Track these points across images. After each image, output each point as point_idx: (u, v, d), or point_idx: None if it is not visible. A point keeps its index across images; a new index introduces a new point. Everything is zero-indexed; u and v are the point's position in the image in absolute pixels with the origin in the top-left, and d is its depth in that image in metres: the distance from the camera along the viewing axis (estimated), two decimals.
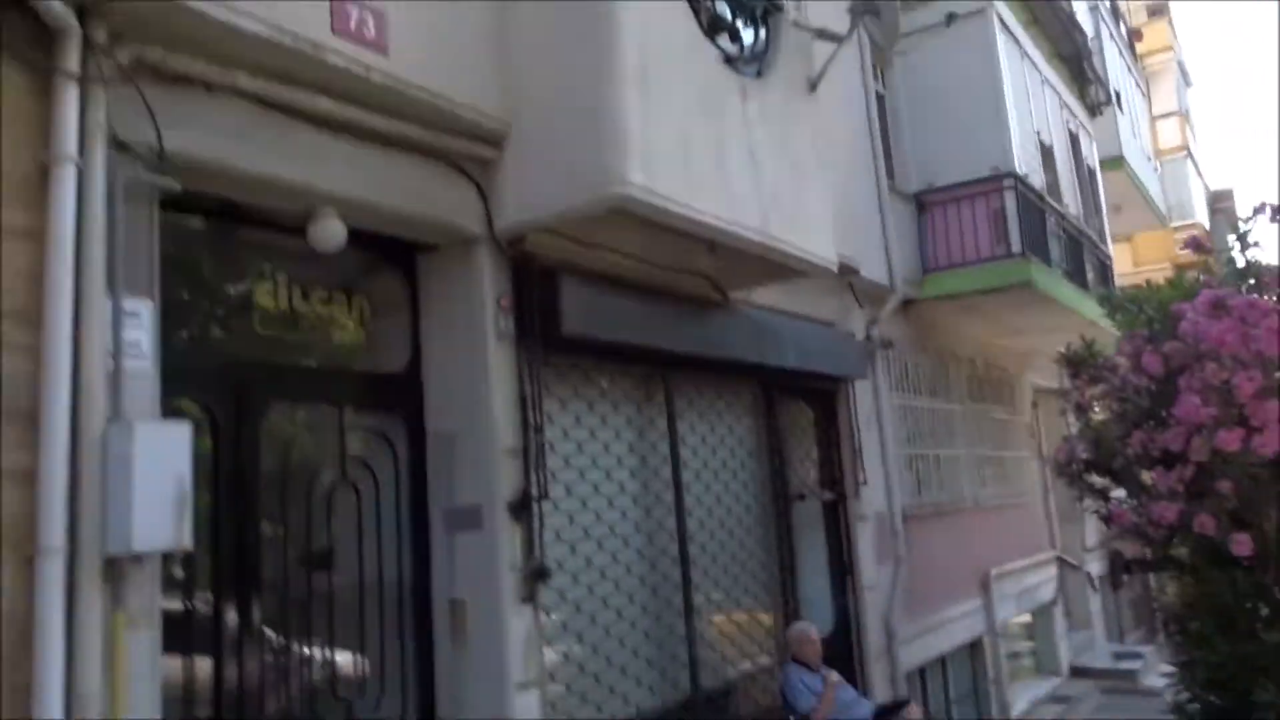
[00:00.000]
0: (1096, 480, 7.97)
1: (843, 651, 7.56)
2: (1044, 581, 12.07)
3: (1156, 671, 10.28)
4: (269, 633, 4.16)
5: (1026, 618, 11.82)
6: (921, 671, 8.80)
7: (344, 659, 4.54)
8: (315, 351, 4.70)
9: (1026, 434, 12.84)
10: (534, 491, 4.83)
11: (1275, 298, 6.33)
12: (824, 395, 8.02)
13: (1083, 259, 11.52)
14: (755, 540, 6.80)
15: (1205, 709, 6.88)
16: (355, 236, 4.73)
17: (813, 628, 6.31)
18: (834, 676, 6.09)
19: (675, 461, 6.09)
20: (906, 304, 9.60)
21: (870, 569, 7.94)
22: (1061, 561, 13.01)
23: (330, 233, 4.21)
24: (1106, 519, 7.66)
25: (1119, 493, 7.82)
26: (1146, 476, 7.28)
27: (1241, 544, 6.36)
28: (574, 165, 4.58)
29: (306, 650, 4.33)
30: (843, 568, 7.80)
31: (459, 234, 4.84)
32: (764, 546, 6.90)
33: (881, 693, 7.60)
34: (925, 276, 9.60)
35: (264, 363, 4.35)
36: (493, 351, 4.84)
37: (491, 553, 4.70)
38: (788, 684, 6.10)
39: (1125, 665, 12.16)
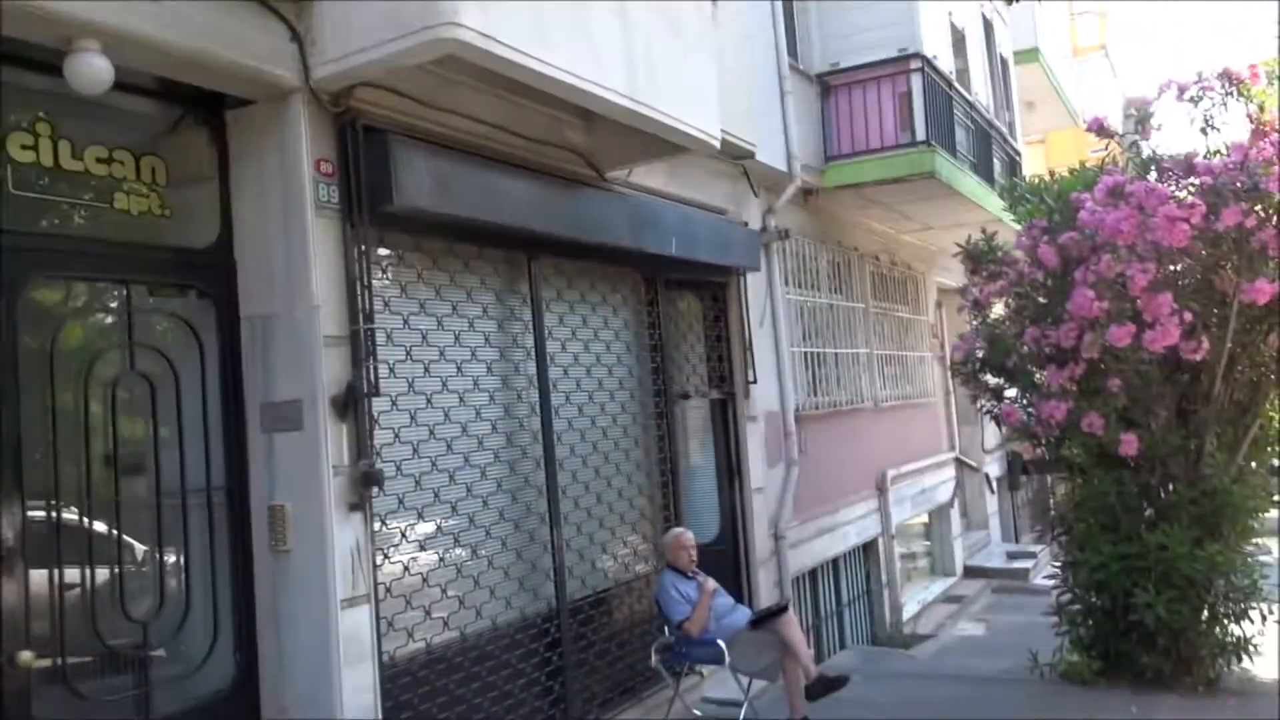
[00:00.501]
0: (991, 380, 7.72)
1: (728, 557, 7.26)
2: (942, 483, 12.02)
3: (1047, 571, 10.32)
4: (35, 546, 3.56)
5: (924, 519, 11.78)
6: (813, 574, 8.60)
7: (137, 576, 3.98)
8: (94, 220, 3.99)
9: (930, 334, 12.64)
10: (363, 386, 4.26)
11: (1175, 186, 5.97)
12: (714, 288, 7.53)
13: (991, 153, 11.15)
14: (633, 442, 6.36)
15: (1087, 610, 6.78)
16: (147, 86, 4.04)
17: (688, 533, 5.94)
18: (710, 584, 5.74)
19: (541, 356, 5.56)
20: (808, 194, 9.12)
21: (759, 471, 7.60)
22: (960, 463, 12.99)
23: (89, 71, 3.48)
24: (997, 419, 7.44)
25: (1013, 392, 7.60)
26: (1039, 375, 7.05)
27: (1128, 444, 6.15)
28: (399, 3, 3.90)
29: (87, 568, 3.75)
30: (730, 470, 7.44)
31: (272, 86, 4.14)
32: (643, 449, 6.47)
33: (767, 598, 7.34)
34: (827, 164, 9.10)
35: (19, 230, 3.64)
36: (313, 225, 4.19)
37: (312, 454, 4.14)
38: (662, 592, 5.73)
39: (1017, 565, 12.28)
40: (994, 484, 13.90)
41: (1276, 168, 5.46)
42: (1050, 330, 6.46)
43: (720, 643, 5.50)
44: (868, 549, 9.75)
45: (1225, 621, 6.40)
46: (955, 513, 12.37)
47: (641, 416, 6.50)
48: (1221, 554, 6.23)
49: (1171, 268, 5.97)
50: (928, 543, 12.01)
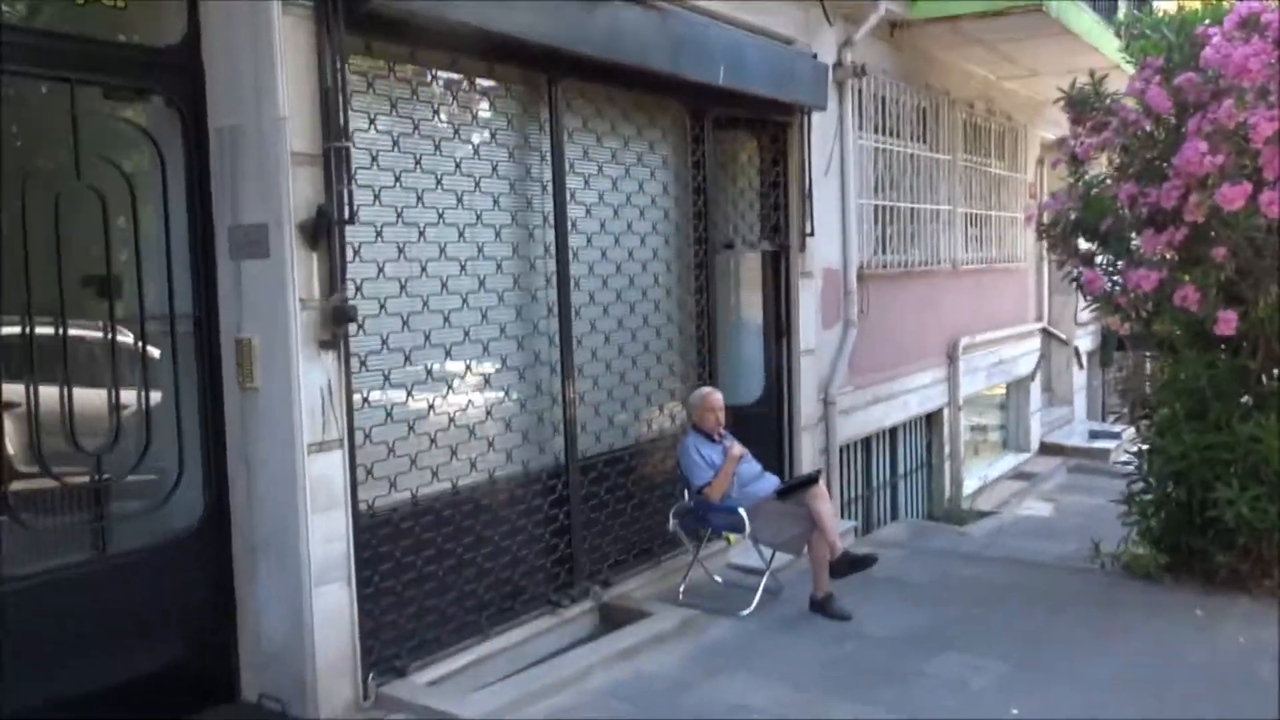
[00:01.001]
0: (1083, 245, 6.90)
1: (770, 420, 6.80)
2: (1024, 355, 11.24)
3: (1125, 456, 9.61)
4: None
5: (1000, 390, 11.09)
6: (866, 443, 8.11)
7: (90, 405, 3.71)
8: (31, 5, 3.55)
9: (1028, 194, 11.59)
10: (334, 212, 3.81)
11: None
12: (773, 128, 6.80)
13: None
14: (664, 292, 5.84)
15: (1161, 501, 6.17)
16: None
17: (716, 394, 5.48)
18: (736, 449, 5.31)
19: (559, 192, 5.01)
20: (894, 26, 8.15)
21: (811, 331, 7.03)
22: (1048, 334, 12.15)
23: None
24: (1081, 287, 6.66)
25: (1105, 258, 6.77)
26: (1136, 241, 6.22)
27: (1226, 321, 5.36)
28: None
29: (31, 394, 3.48)
30: (779, 328, 6.89)
31: None
32: (676, 300, 5.95)
33: (809, 465, 6.90)
34: None
35: None
36: (279, 23, 3.67)
37: (278, 285, 3.76)
38: (684, 454, 5.34)
39: (1098, 445, 11.54)
40: (1083, 359, 13.02)
41: None
42: (1150, 189, 5.61)
43: (741, 511, 5.11)
44: (931, 419, 9.18)
45: None
46: (1036, 386, 11.63)
47: (677, 265, 5.95)
48: None
49: None
50: (1003, 416, 11.35)
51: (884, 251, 8.36)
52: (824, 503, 5.15)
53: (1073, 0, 8.27)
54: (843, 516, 7.34)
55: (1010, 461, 10.90)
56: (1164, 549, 6.09)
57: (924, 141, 9.07)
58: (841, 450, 7.54)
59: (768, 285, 6.90)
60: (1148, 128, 5.81)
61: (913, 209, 8.88)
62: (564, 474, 5.03)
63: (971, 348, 9.64)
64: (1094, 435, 12.07)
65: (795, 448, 6.89)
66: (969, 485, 9.62)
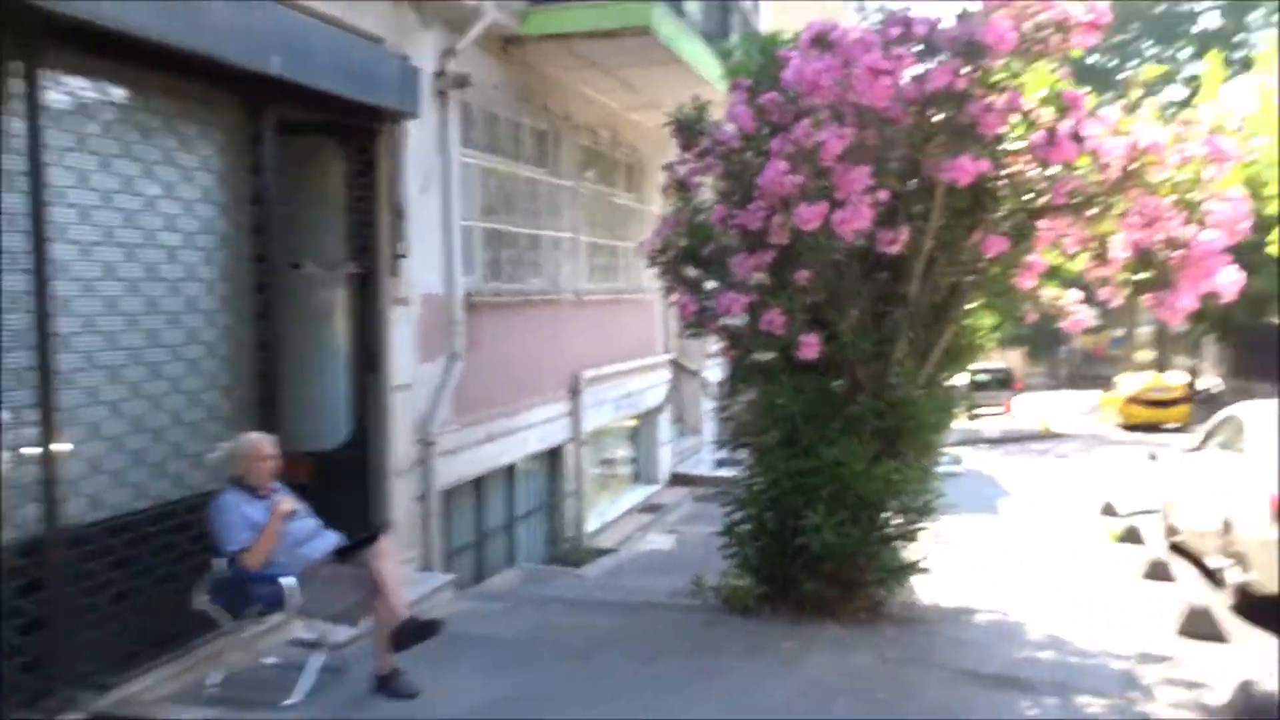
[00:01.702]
0: (692, 272, 6.76)
1: (353, 466, 5.98)
2: (653, 386, 11.24)
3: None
4: None
5: (628, 423, 10.98)
6: (479, 484, 7.49)
7: None
8: None
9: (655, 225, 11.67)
10: None
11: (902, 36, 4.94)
12: (360, 135, 6.05)
13: (730, 23, 10.10)
14: (204, 318, 4.86)
15: (757, 531, 6.07)
16: None
17: (266, 440, 4.57)
18: (285, 504, 4.43)
19: (37, 191, 3.92)
20: (508, 42, 7.71)
21: (407, 364, 6.31)
22: (677, 365, 12.28)
23: None
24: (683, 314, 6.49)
25: (713, 285, 6.66)
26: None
27: (809, 346, 5.32)
28: None
29: None
30: (368, 361, 6.10)
31: None
32: (223, 329, 4.98)
33: (404, 513, 6.16)
34: (533, 6, 7.68)
35: None
36: None
37: None
38: (219, 515, 4.36)
39: (724, 473, 11.74)
40: (711, 388, 13.35)
41: (995, 18, 4.61)
42: (739, 211, 5.49)
43: (284, 581, 4.24)
44: (554, 455, 8.77)
45: (895, 545, 5.84)
46: (666, 418, 11.68)
47: (224, 287, 4.99)
48: (898, 472, 5.61)
49: (875, 140, 5.06)
50: (633, 448, 11.25)
51: (499, 279, 7.84)
52: (388, 561, 4.41)
53: (681, 29, 8.26)
54: (448, 569, 6.66)
55: (640, 494, 10.80)
56: (761, 579, 5.98)
57: (544, 165, 8.71)
58: (448, 494, 6.86)
59: (354, 313, 6.09)
60: (737, 146, 5.71)
61: (533, 235, 8.47)
62: (38, 551, 3.90)
63: (597, 380, 9.38)
64: (720, 464, 12.32)
65: (386, 494, 6.10)
66: (596, 522, 9.32)
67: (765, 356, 6.24)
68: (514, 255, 8.10)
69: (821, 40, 4.94)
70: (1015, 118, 5.23)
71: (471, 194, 7.33)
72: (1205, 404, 32.97)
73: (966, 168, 4.70)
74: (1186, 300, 5.17)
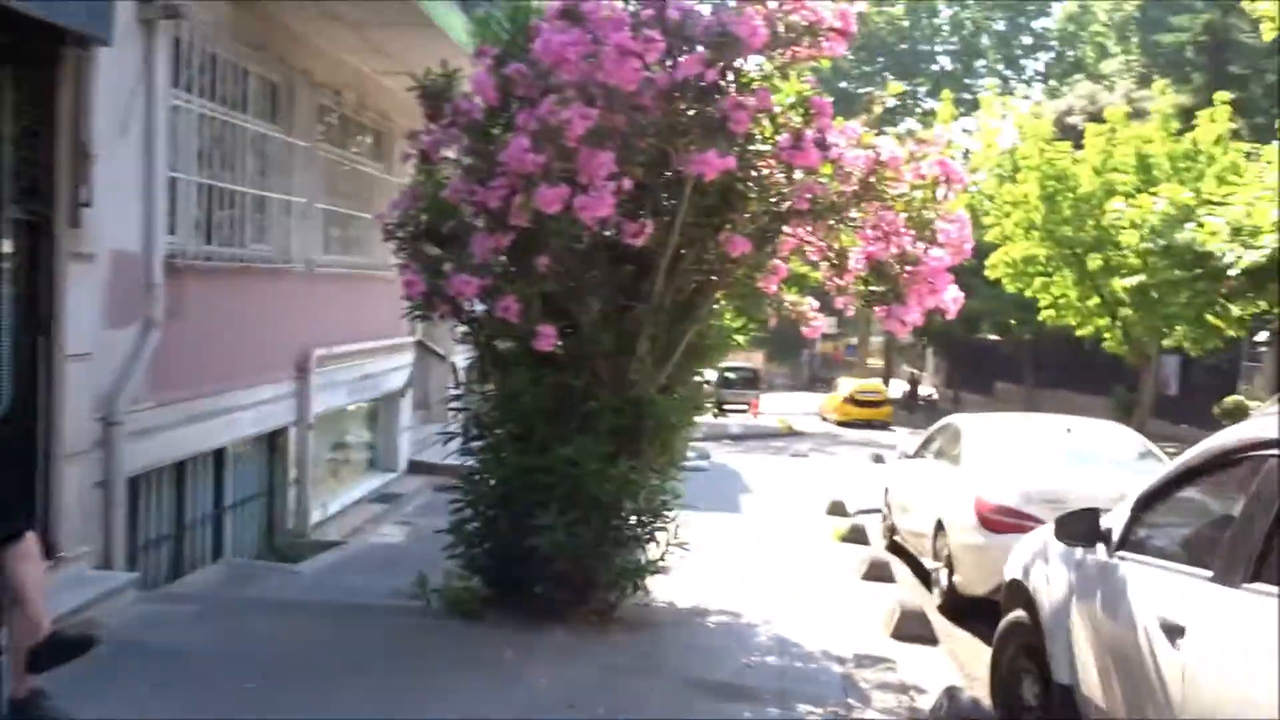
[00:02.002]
0: (433, 250, 6.29)
1: (17, 447, 5.07)
2: (394, 369, 10.61)
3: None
4: None
5: (365, 407, 10.30)
6: (180, 470, 6.66)
7: None
8: None
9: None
10: None
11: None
12: (36, 59, 5.13)
13: None
14: None
15: (486, 528, 5.72)
16: None
17: None
18: None
19: None
20: None
21: (89, 330, 5.44)
22: (423, 347, 11.70)
23: None
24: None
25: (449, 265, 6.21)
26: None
27: (545, 337, 5.03)
28: None
29: None
30: (37, 324, 5.20)
31: None
32: None
33: (79, 504, 5.32)
34: None
35: None
36: None
37: None
38: None
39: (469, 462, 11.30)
40: (461, 373, 12.84)
41: (749, 11, 4.47)
42: (478, 187, 5.09)
43: None
44: (275, 439, 8.00)
45: (630, 546, 5.66)
46: (408, 402, 11.08)
47: None
48: (635, 471, 5.43)
49: (624, 125, 4.81)
50: (371, 434, 10.58)
51: (214, 242, 7.02)
52: (27, 564, 3.67)
53: None
54: (134, 566, 5.85)
55: (374, 483, 10.16)
56: (489, 581, 5.64)
57: (275, 121, 7.91)
58: (138, 481, 6.03)
59: (21, 265, 5.17)
60: (480, 118, 5.32)
61: (259, 197, 7.67)
62: None
63: (330, 360, 8.68)
64: (465, 453, 11.85)
65: (54, 482, 5.23)
66: (320, 512, 8.61)
67: (503, 346, 5.92)
68: (234, 217, 7.28)
69: (571, 12, 4.63)
70: (765, 119, 5.18)
71: (184, 143, 6.49)
72: (924, 410, 36.07)
73: (713, 162, 4.54)
74: (914, 315, 5.30)
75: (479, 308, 5.74)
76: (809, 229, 5.51)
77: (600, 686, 4.58)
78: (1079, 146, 20.78)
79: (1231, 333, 20.52)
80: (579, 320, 5.38)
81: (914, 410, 36.49)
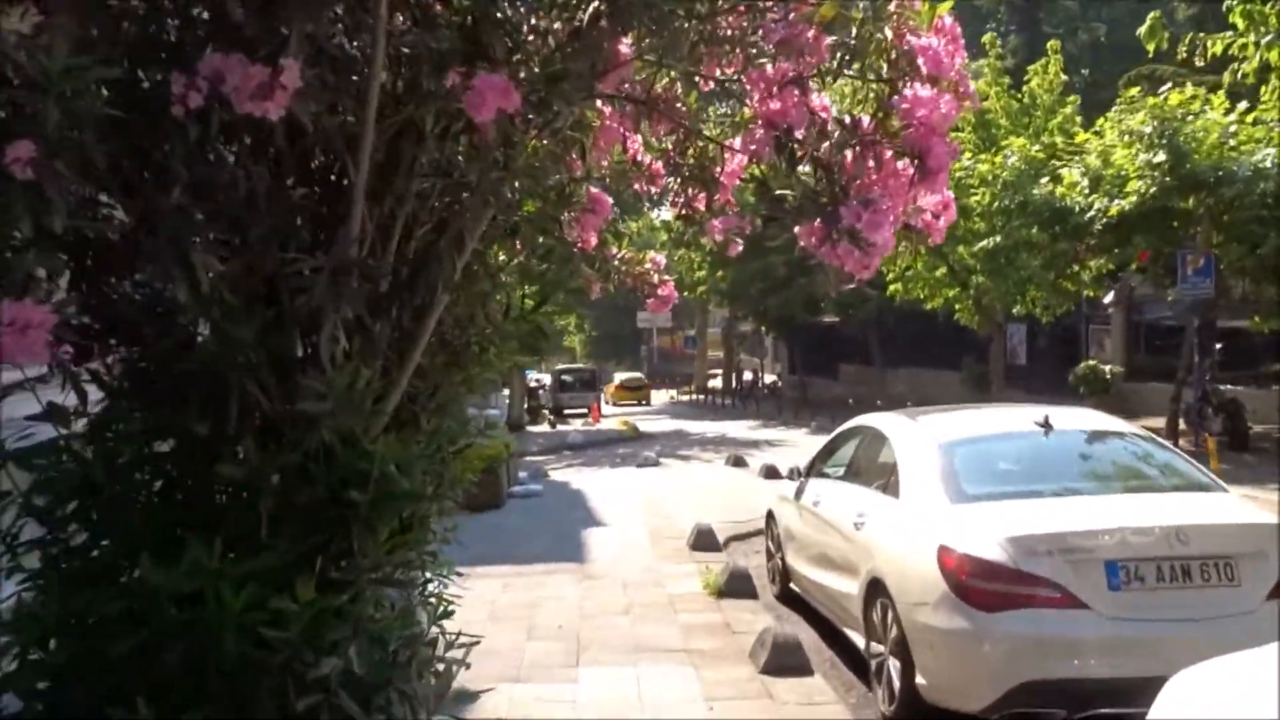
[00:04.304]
0: None
1: None
2: None
3: None
4: None
5: None
6: None
7: None
8: None
9: None
10: None
11: None
12: None
13: None
14: None
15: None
16: None
17: None
18: None
19: None
20: None
21: None
22: None
23: None
24: None
25: None
26: None
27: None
28: None
29: None
30: None
31: None
32: None
33: None
34: None
35: None
36: None
37: None
38: None
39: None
40: None
41: None
42: None
43: None
44: None
45: None
46: None
47: None
48: (338, 597, 2.55)
49: None
50: None
51: None
52: None
53: None
54: None
55: None
56: None
57: None
58: None
59: None
60: None
61: None
62: None
63: None
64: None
65: None
66: None
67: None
68: None
69: None
70: None
71: None
72: (770, 400, 34.34)
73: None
74: (884, 233, 2.65)
75: None
76: (632, 85, 2.74)
77: None
78: None
79: (1088, 293, 19.38)
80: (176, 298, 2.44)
81: (760, 400, 34.78)
